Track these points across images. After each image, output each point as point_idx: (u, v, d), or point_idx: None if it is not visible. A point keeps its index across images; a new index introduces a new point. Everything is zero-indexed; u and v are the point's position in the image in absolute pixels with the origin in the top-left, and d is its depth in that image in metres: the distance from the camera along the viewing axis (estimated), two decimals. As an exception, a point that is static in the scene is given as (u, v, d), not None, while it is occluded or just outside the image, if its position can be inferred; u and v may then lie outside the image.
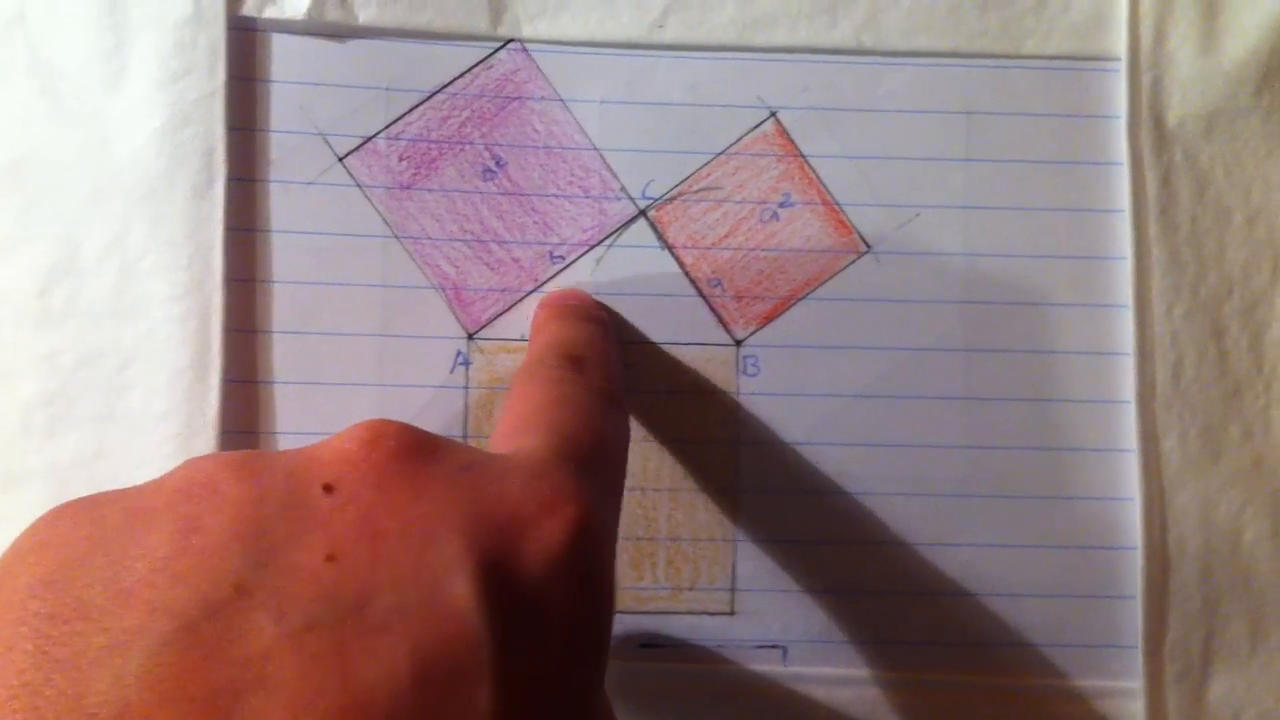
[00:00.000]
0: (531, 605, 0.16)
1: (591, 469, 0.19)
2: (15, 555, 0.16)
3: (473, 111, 0.28)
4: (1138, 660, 0.27)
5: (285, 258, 0.27)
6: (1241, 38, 0.28)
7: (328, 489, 0.16)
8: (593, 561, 0.17)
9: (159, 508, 0.16)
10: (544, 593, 0.16)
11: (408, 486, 0.17)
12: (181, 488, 0.16)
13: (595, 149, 0.28)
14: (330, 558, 0.15)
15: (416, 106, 0.28)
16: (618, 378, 0.24)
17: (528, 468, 0.18)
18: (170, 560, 0.15)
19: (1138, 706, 0.27)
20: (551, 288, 0.28)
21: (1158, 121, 0.28)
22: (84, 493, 0.26)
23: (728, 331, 0.28)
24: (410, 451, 0.17)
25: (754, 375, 0.28)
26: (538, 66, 0.28)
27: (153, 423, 0.27)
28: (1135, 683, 0.27)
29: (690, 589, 0.28)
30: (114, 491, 0.17)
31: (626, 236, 0.28)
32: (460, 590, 0.15)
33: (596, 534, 0.18)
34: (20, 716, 0.14)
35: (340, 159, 0.28)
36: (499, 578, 0.16)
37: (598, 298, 0.28)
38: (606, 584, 0.18)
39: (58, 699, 0.14)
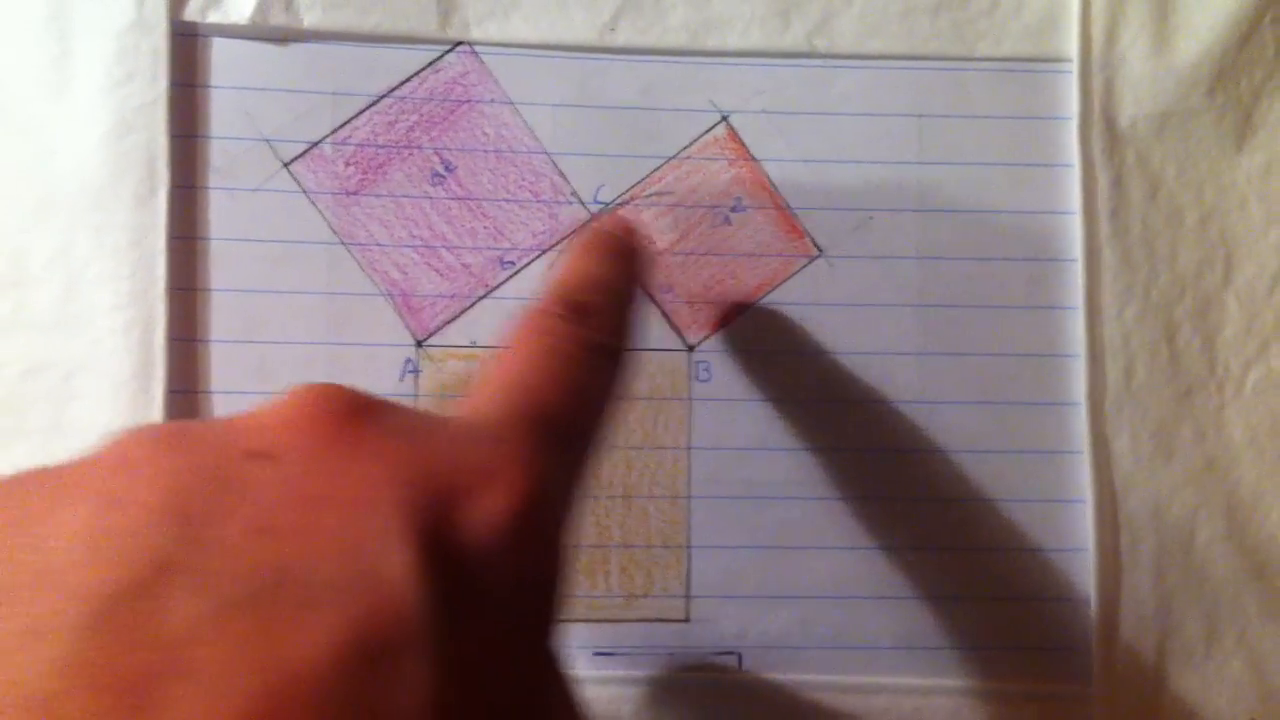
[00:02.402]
0: (473, 577, 0.15)
1: (557, 431, 0.18)
2: None
3: (421, 115, 0.28)
4: (1091, 663, 0.27)
5: (230, 266, 0.27)
6: (1193, 38, 0.28)
7: (261, 456, 0.15)
8: (540, 532, 0.17)
9: (82, 483, 0.15)
10: (486, 564, 0.15)
11: (344, 452, 0.15)
12: (107, 462, 0.15)
13: (546, 153, 0.28)
14: (260, 530, 0.14)
15: (363, 111, 0.28)
16: (623, 327, 0.22)
17: (476, 432, 0.17)
18: (89, 539, 0.14)
19: (1092, 710, 0.27)
20: (502, 294, 0.28)
21: (1109, 123, 0.28)
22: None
23: (680, 337, 0.28)
24: (349, 415, 0.16)
25: (706, 381, 0.28)
26: (487, 69, 0.28)
27: (98, 433, 0.26)
28: (1089, 686, 0.27)
29: (644, 596, 0.28)
30: (40, 468, 0.16)
31: (578, 241, 0.28)
32: (397, 561, 0.14)
33: (545, 504, 0.17)
34: None
35: (286, 165, 0.27)
36: (439, 549, 0.15)
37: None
38: (555, 554, 0.17)
39: None
